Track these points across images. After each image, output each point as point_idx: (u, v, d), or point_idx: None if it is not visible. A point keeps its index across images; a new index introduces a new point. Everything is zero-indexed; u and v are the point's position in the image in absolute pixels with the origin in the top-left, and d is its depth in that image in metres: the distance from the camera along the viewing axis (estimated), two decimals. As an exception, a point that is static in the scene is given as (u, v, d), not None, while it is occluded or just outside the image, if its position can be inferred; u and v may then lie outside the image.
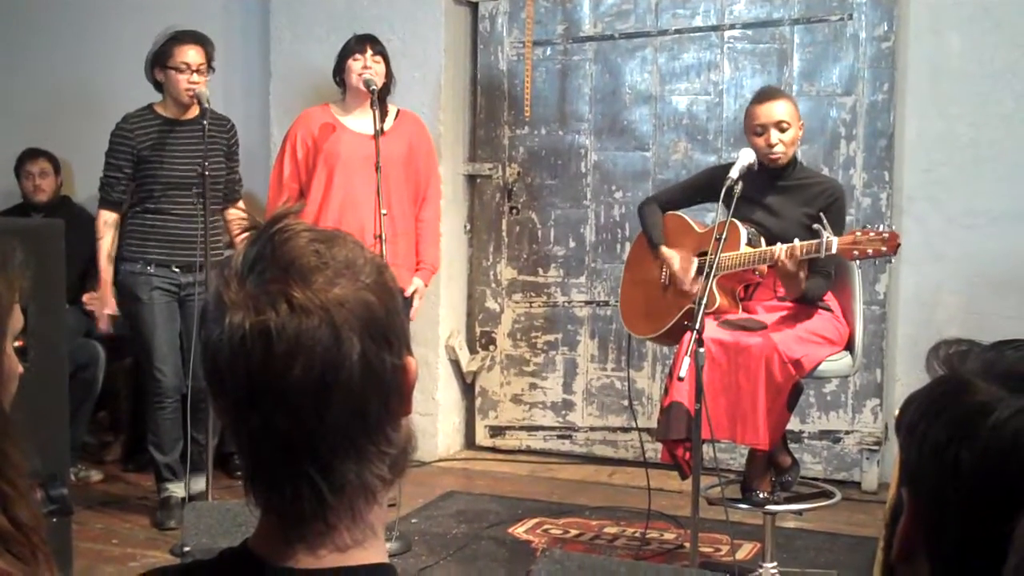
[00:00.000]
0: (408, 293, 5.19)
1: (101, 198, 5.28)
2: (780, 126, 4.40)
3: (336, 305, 1.24)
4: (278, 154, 5.41)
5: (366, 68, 5.15)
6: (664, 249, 4.61)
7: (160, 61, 5.20)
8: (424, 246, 5.34)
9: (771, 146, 4.40)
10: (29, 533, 1.36)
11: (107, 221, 5.24)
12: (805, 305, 4.43)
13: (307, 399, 1.23)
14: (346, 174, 5.18)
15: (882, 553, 1.26)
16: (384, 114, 5.18)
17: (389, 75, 5.25)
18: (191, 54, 5.17)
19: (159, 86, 5.27)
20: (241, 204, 5.51)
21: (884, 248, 4.08)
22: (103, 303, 5.26)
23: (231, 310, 1.25)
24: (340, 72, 5.27)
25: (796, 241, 4.22)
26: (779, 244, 4.24)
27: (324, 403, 1.24)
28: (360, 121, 5.22)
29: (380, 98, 5.13)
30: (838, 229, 4.24)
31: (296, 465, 1.26)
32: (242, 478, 1.34)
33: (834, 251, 4.13)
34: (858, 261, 4.29)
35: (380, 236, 4.78)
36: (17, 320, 1.47)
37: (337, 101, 5.35)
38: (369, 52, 5.19)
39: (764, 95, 4.57)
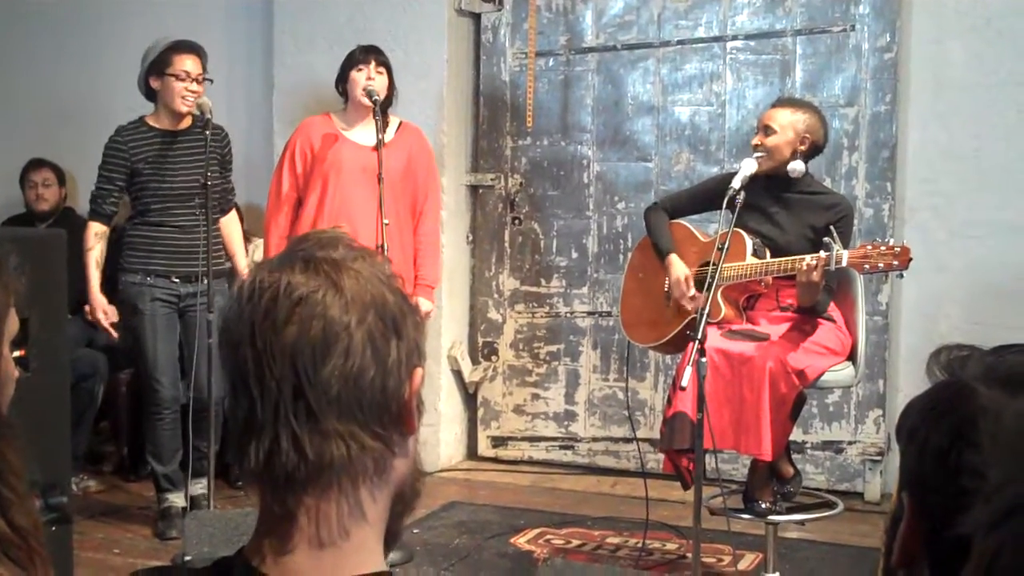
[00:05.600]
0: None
1: (91, 210, 5.26)
2: (766, 129, 4.45)
3: (351, 279, 1.29)
4: (278, 163, 5.38)
5: (369, 80, 5.15)
6: (673, 258, 4.60)
7: (157, 69, 5.19)
8: (423, 261, 5.30)
9: (753, 146, 4.47)
10: (27, 537, 1.35)
11: (97, 233, 5.21)
12: (808, 315, 4.43)
13: (304, 350, 1.26)
14: (345, 185, 5.17)
15: (883, 559, 1.26)
16: (385, 125, 5.18)
17: (391, 87, 5.25)
18: (189, 63, 5.18)
19: (151, 95, 5.27)
20: (234, 213, 5.53)
21: (896, 262, 4.06)
22: (99, 310, 5.21)
23: (252, 273, 1.32)
24: (343, 82, 5.26)
25: (806, 256, 4.22)
26: (807, 256, 4.21)
27: (320, 358, 1.26)
28: (362, 132, 5.21)
29: (382, 110, 5.13)
30: (845, 243, 4.24)
31: (279, 410, 1.27)
32: (231, 442, 1.35)
33: (844, 264, 4.12)
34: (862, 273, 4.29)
35: (382, 246, 4.78)
36: (13, 324, 1.47)
37: (338, 111, 5.35)
38: (373, 64, 5.19)
39: (775, 101, 4.71)
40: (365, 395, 1.28)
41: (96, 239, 5.21)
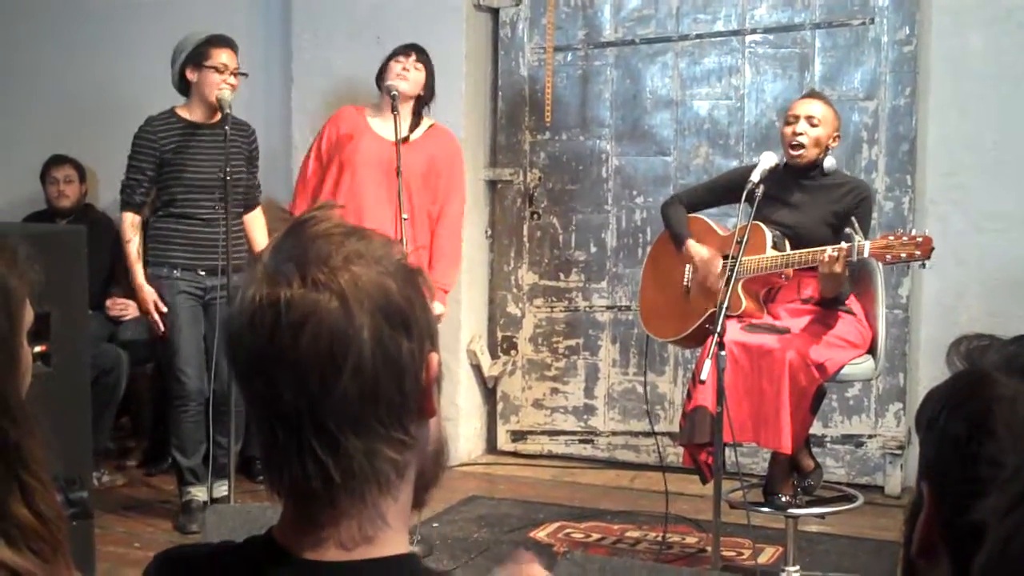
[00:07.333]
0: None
1: (123, 200, 5.29)
2: (811, 120, 4.41)
3: (350, 284, 1.26)
4: (308, 149, 5.46)
5: (404, 71, 5.17)
6: (691, 243, 4.59)
7: (195, 60, 5.22)
8: (437, 265, 5.25)
9: (796, 134, 4.41)
10: (52, 528, 1.36)
11: (133, 224, 5.26)
12: (829, 307, 4.41)
13: (314, 371, 1.24)
14: (358, 175, 5.18)
15: (903, 549, 1.26)
16: (416, 124, 5.21)
17: (427, 87, 5.26)
18: (226, 56, 5.23)
19: (185, 88, 5.29)
20: (259, 210, 5.54)
21: (918, 252, 4.03)
22: (149, 301, 5.20)
23: (249, 285, 1.29)
24: (382, 73, 5.28)
25: (828, 247, 4.20)
26: (828, 247, 4.18)
27: (332, 377, 1.24)
28: (386, 126, 5.22)
29: (416, 109, 5.17)
30: (865, 228, 4.22)
31: (302, 438, 1.26)
32: (259, 461, 1.36)
33: (866, 255, 4.09)
34: (881, 264, 4.27)
35: (401, 240, 4.78)
36: (29, 314, 1.48)
37: (373, 103, 5.38)
38: (413, 57, 5.22)
39: (807, 93, 4.71)
40: (382, 404, 1.27)
41: (133, 230, 5.25)
